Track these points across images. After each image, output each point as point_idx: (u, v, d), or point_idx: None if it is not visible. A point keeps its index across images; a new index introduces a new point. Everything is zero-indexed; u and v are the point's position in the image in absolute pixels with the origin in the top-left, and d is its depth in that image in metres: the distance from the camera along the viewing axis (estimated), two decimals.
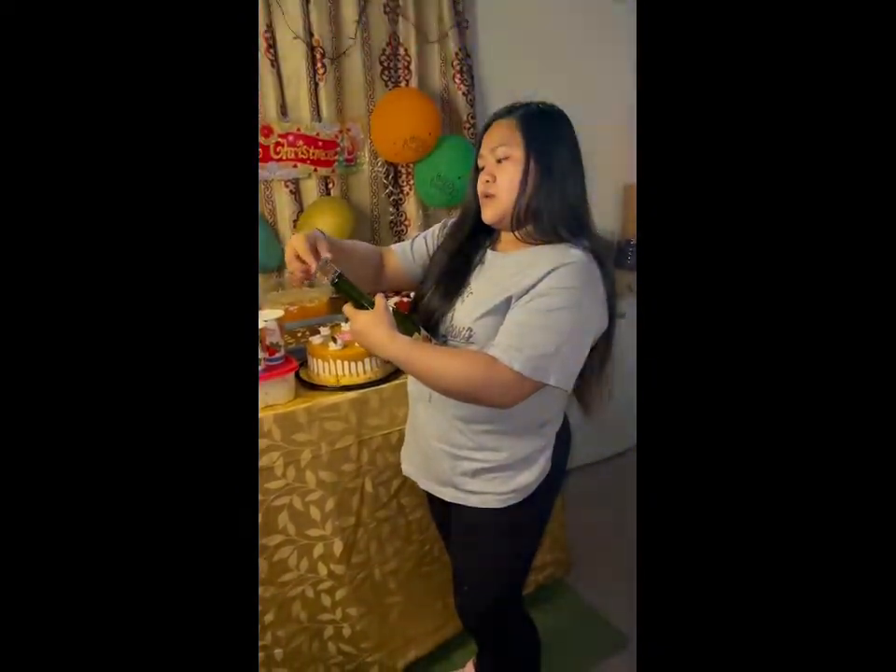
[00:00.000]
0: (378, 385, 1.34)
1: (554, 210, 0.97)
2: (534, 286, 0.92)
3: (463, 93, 1.97)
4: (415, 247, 1.18)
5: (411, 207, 1.99)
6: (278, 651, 1.34)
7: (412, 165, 1.92)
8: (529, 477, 1.07)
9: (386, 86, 1.90)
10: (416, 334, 0.99)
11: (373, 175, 1.95)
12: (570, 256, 0.92)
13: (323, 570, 1.35)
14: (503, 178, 0.98)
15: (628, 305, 2.03)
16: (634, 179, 2.41)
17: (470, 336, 0.98)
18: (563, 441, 1.13)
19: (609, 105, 2.18)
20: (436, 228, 1.18)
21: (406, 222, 2.02)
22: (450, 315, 1.03)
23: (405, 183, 1.98)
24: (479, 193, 1.02)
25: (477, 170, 1.03)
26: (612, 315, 0.99)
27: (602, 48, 2.19)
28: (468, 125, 1.99)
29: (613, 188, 2.45)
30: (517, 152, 0.96)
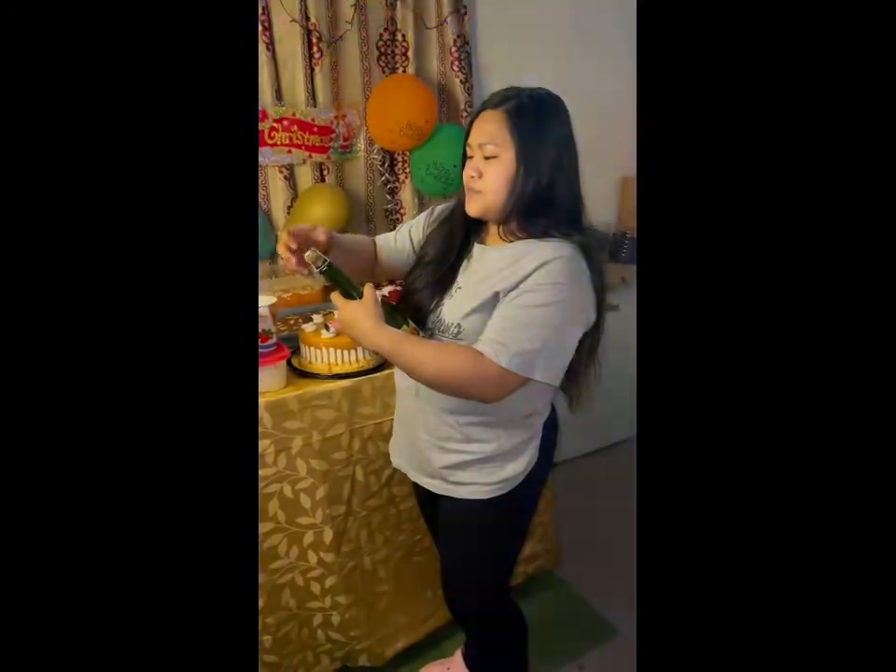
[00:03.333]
0: (370, 373, 1.33)
1: (543, 209, 0.95)
2: (522, 281, 0.91)
3: (461, 81, 1.95)
4: (399, 239, 1.17)
5: (406, 195, 1.98)
6: (267, 638, 1.34)
7: (408, 153, 1.90)
8: (517, 468, 1.07)
9: (383, 72, 1.87)
10: (404, 326, 0.98)
11: (369, 162, 1.93)
12: (559, 251, 0.91)
13: (313, 558, 1.35)
14: (489, 177, 0.95)
15: (622, 298, 2.03)
16: (630, 172, 2.40)
17: (459, 332, 0.97)
18: (550, 432, 1.13)
19: (607, 96, 2.16)
20: (422, 217, 1.16)
21: (401, 210, 2.00)
22: (438, 309, 1.02)
23: (401, 171, 1.96)
24: (465, 184, 1.00)
25: (465, 157, 1.01)
26: (601, 309, 0.99)
27: (602, 37, 2.17)
28: (465, 113, 1.97)
29: (610, 180, 2.44)
30: (505, 153, 0.93)
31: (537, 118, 0.94)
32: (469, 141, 0.99)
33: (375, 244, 1.18)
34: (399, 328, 0.96)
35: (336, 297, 0.96)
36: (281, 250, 0.97)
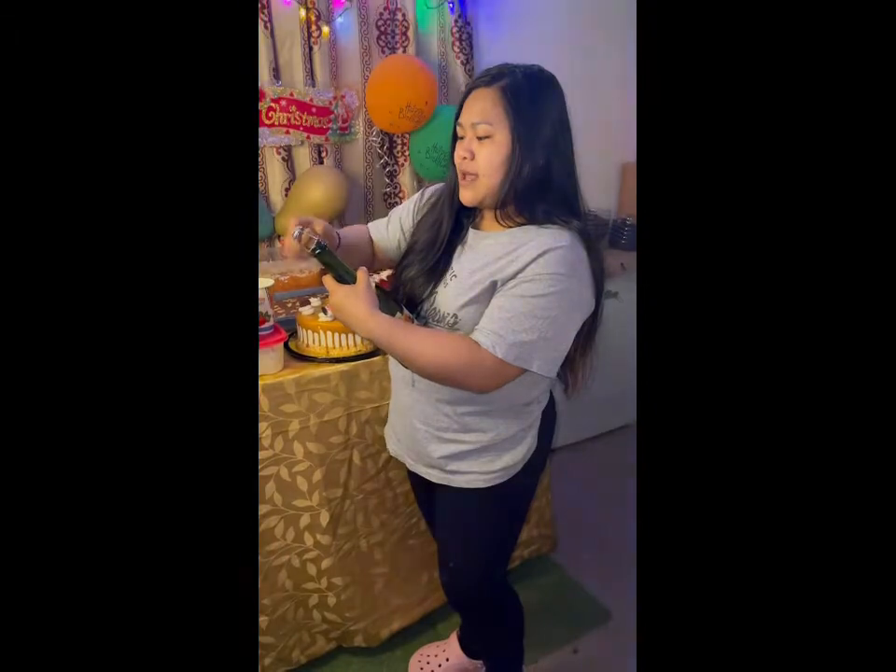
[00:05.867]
0: (368, 357, 1.33)
1: (539, 193, 0.92)
2: (520, 271, 0.89)
3: (462, 62, 1.92)
4: (391, 226, 1.14)
5: (405, 179, 1.96)
6: (263, 619, 1.35)
7: (407, 135, 1.88)
8: (516, 456, 1.07)
9: (383, 52, 1.85)
10: (398, 314, 0.96)
11: (368, 144, 1.92)
12: (558, 240, 0.89)
13: (309, 540, 1.35)
14: (483, 158, 0.92)
15: (621, 284, 2.02)
16: (632, 157, 2.38)
17: (456, 322, 0.96)
18: (548, 419, 1.13)
19: (609, 79, 2.14)
20: (411, 201, 1.13)
21: (400, 194, 1.99)
22: (432, 297, 1.00)
23: (400, 154, 1.95)
24: (456, 169, 0.96)
25: (455, 139, 0.97)
26: (599, 298, 0.97)
27: (604, 18, 2.14)
28: None
29: (611, 166, 2.42)
30: (500, 133, 0.89)
31: (532, 96, 0.90)
32: (459, 121, 0.95)
33: (368, 234, 1.16)
34: (392, 315, 0.94)
35: (328, 280, 0.93)
36: (288, 238, 0.95)
